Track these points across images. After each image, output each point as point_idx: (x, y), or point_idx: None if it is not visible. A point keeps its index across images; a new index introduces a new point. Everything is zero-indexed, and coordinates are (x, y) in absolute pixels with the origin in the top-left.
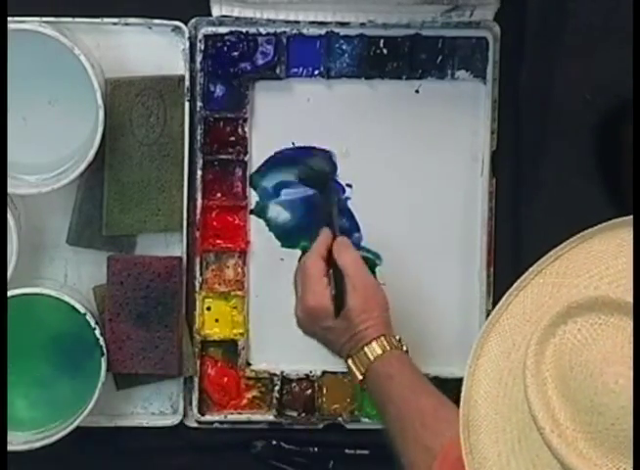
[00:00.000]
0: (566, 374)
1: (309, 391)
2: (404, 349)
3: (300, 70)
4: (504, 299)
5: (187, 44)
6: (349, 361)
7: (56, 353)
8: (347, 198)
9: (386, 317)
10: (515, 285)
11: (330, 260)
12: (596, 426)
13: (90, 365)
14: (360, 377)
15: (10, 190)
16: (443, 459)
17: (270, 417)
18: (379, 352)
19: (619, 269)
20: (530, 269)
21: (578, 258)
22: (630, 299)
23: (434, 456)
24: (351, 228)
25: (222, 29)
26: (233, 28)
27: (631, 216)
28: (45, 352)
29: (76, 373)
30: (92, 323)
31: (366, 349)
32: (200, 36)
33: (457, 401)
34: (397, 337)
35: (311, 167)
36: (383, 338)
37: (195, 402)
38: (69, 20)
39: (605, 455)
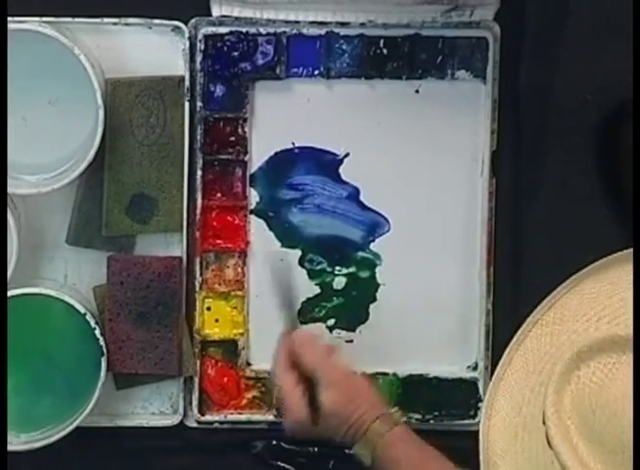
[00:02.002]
0: (589, 418)
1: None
2: (402, 419)
3: (300, 70)
4: (505, 355)
5: (187, 44)
6: (355, 447)
7: (56, 354)
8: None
9: (372, 397)
10: (513, 340)
11: (297, 367)
12: (627, 463)
13: (90, 365)
14: (369, 462)
15: (10, 190)
16: None
17: (270, 417)
18: (381, 431)
19: (616, 308)
20: (527, 321)
21: (572, 303)
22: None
23: None
24: (378, 222)
25: (222, 29)
26: (233, 28)
27: (620, 253)
28: (45, 353)
29: (76, 373)
30: (92, 323)
31: (367, 435)
32: (200, 36)
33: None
34: (393, 410)
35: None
36: (378, 421)
37: (195, 402)
38: (69, 20)
39: None
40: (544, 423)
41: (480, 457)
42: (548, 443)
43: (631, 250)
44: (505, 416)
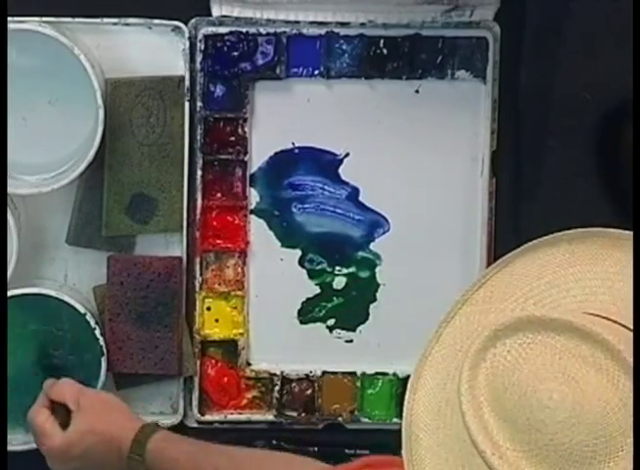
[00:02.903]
0: (500, 396)
1: (309, 391)
2: (161, 426)
3: (300, 70)
4: (434, 331)
5: (187, 44)
6: (127, 465)
7: (56, 353)
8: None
9: (127, 413)
10: (443, 317)
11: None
12: (535, 443)
13: (90, 365)
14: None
15: (10, 190)
16: None
17: (270, 417)
18: (146, 440)
19: (543, 289)
20: (456, 299)
21: (502, 283)
22: (556, 315)
23: None
24: (378, 222)
25: (222, 29)
26: (233, 28)
27: (551, 236)
28: (45, 352)
29: (77, 373)
30: (92, 323)
31: (133, 449)
32: (200, 36)
33: None
34: (146, 421)
35: None
36: (139, 430)
37: (195, 402)
38: (69, 20)
39: None
40: (459, 399)
41: (403, 432)
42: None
43: (563, 233)
44: (430, 391)
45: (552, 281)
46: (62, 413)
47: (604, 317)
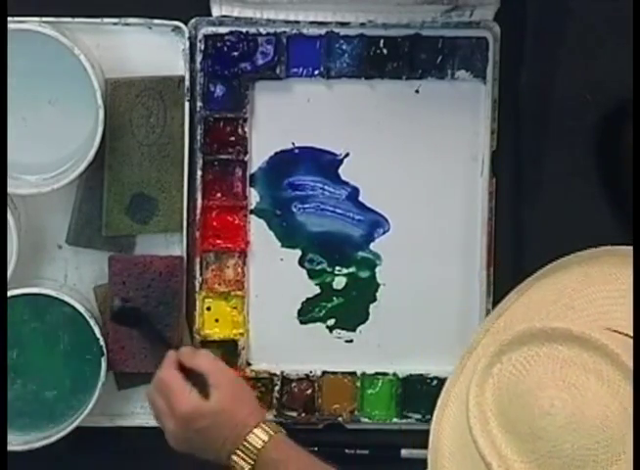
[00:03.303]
0: (505, 408)
1: (309, 391)
2: (283, 431)
3: (300, 70)
4: (458, 362)
5: (187, 44)
6: (234, 457)
7: (56, 354)
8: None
9: (256, 403)
10: (465, 348)
11: (185, 371)
12: (539, 452)
13: (90, 365)
14: (248, 469)
15: (10, 190)
16: None
17: (270, 417)
18: (264, 438)
19: (559, 312)
20: (477, 330)
21: (519, 310)
22: (555, 325)
23: None
24: (378, 222)
25: (222, 29)
26: (233, 28)
27: (562, 259)
28: (45, 352)
29: (76, 373)
30: (92, 323)
31: (250, 438)
32: (200, 36)
33: None
34: (274, 421)
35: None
36: (263, 424)
37: None
38: (69, 20)
39: None
40: (467, 415)
41: (429, 461)
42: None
43: (574, 255)
44: (454, 420)
45: (568, 303)
46: (195, 381)
47: (612, 330)
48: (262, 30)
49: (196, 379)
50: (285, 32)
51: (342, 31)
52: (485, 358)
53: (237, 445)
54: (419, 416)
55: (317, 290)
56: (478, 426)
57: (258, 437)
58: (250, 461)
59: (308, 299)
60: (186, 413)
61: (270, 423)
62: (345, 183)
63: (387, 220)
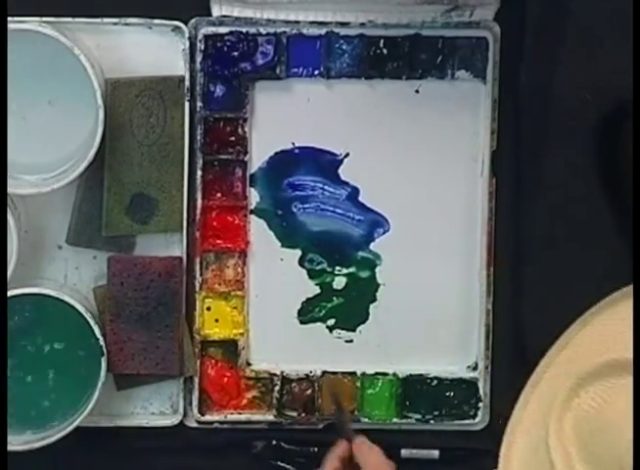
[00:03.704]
0: (588, 442)
1: (309, 391)
2: None
3: (300, 70)
4: (521, 398)
5: (187, 44)
6: None
7: (56, 354)
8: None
9: None
10: (529, 382)
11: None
12: None
13: (90, 365)
14: None
15: (10, 190)
16: None
17: (270, 417)
18: None
19: (627, 342)
20: (541, 364)
21: (584, 341)
22: (628, 355)
23: None
24: (378, 222)
25: (222, 29)
26: (233, 28)
27: (626, 288)
28: (45, 352)
29: (76, 373)
30: (92, 323)
31: None
32: (200, 36)
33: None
34: None
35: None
36: None
37: (195, 402)
38: (69, 20)
39: None
40: (549, 452)
41: None
42: None
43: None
44: (522, 457)
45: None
46: None
47: None
48: (262, 30)
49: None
50: (285, 32)
51: (343, 31)
52: (562, 393)
53: None
54: (419, 416)
55: (317, 290)
56: (560, 464)
57: None
58: None
59: (308, 299)
60: None
61: None
62: (345, 183)
63: (387, 220)
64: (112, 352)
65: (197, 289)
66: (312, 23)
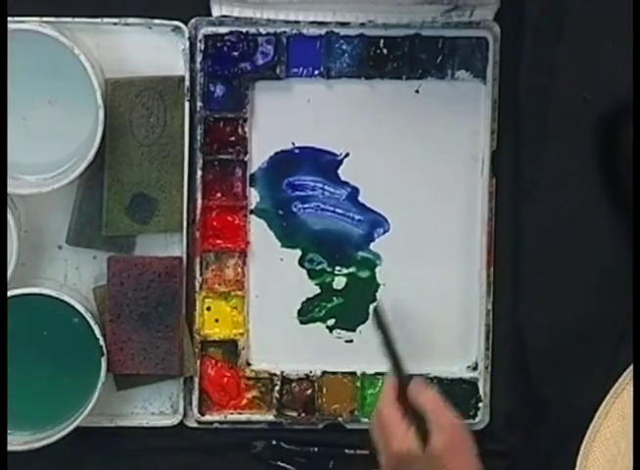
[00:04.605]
0: None
1: (309, 391)
2: None
3: (300, 70)
4: (602, 407)
5: (187, 44)
6: None
7: (56, 354)
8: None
9: (472, 456)
10: (611, 391)
11: (405, 405)
12: None
13: (90, 365)
14: None
15: (10, 190)
16: None
17: (270, 417)
18: None
19: None
20: (624, 374)
21: None
22: None
23: None
24: (378, 222)
25: (222, 29)
26: (233, 28)
27: None
28: (45, 353)
29: (76, 373)
30: (92, 323)
31: None
32: (200, 36)
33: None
34: None
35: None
36: None
37: (195, 402)
38: (69, 20)
39: None
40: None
41: None
42: None
43: None
44: (600, 468)
45: None
46: (414, 419)
47: None
48: (262, 30)
49: (416, 416)
50: (285, 32)
51: (343, 31)
52: None
53: None
54: None
55: (317, 290)
56: None
57: None
58: None
59: (308, 299)
60: (399, 453)
61: None
62: (345, 183)
63: (387, 220)
64: (112, 352)
65: (197, 289)
66: (312, 23)
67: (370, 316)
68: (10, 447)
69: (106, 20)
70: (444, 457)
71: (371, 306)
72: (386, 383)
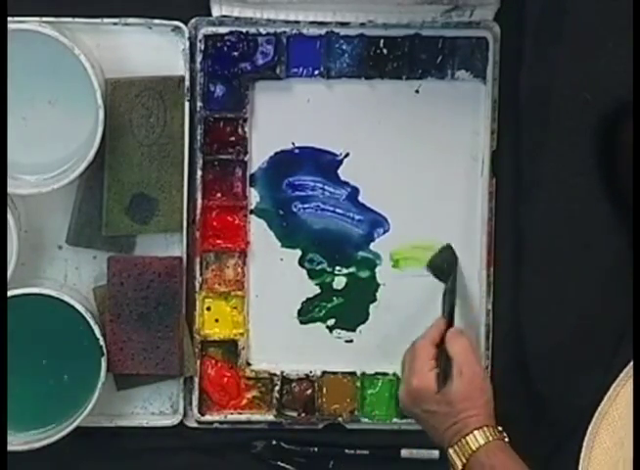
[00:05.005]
0: None
1: (309, 391)
2: (506, 439)
3: (300, 70)
4: (611, 389)
5: (187, 44)
6: (450, 450)
7: (56, 354)
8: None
9: (489, 409)
10: (620, 376)
11: (440, 347)
12: None
13: (90, 365)
14: (461, 467)
15: (10, 190)
16: None
17: (270, 417)
18: (481, 442)
19: None
20: (632, 364)
21: None
22: None
23: None
24: (378, 222)
25: (222, 29)
26: (233, 28)
27: None
28: (45, 353)
29: (76, 373)
30: (92, 323)
31: (468, 438)
32: (200, 36)
33: None
34: (500, 428)
35: (442, 260)
36: (485, 428)
37: (195, 402)
38: (69, 20)
39: None
40: None
41: None
42: None
43: None
44: (607, 450)
45: None
46: (442, 360)
47: None
48: (262, 30)
49: (445, 360)
50: (285, 32)
51: (343, 31)
52: None
53: (454, 440)
54: None
55: (317, 290)
56: None
57: (476, 439)
58: (463, 459)
59: (308, 299)
60: (416, 390)
61: (494, 429)
62: (345, 183)
63: (387, 220)
64: (112, 352)
65: (197, 289)
66: (312, 23)
67: (438, 259)
68: (10, 447)
69: (106, 20)
70: (457, 404)
71: (371, 306)
72: (434, 324)
